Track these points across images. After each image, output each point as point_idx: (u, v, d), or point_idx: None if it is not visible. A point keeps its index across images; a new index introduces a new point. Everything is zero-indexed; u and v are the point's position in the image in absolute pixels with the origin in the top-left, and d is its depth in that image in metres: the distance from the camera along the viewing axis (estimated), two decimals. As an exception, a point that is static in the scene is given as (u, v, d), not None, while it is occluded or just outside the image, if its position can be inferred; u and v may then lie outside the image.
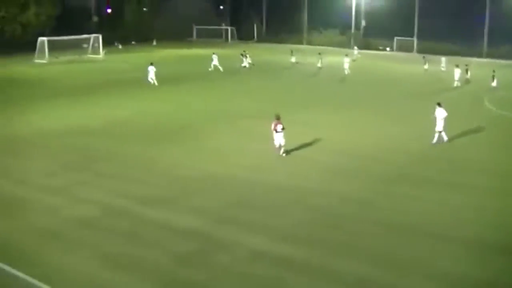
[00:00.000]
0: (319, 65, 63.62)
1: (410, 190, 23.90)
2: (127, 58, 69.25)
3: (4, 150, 30.07)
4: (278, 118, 28.20)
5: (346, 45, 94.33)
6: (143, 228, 19.66)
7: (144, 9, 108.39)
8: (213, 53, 65.23)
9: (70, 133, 33.48)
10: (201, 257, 17.47)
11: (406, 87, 53.41)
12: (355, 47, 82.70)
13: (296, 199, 22.69)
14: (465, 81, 53.89)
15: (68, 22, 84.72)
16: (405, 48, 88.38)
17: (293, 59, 69.96)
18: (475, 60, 75.25)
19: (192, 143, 31.43)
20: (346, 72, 60.01)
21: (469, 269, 16.89)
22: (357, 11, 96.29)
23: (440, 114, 30.58)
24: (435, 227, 19.89)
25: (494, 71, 52.27)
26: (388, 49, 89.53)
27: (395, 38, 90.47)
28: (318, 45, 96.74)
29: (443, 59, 65.90)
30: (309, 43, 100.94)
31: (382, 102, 44.38)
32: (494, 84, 50.73)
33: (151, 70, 52.54)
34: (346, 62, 60.96)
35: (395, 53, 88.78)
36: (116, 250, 17.93)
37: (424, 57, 67.98)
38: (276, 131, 28.13)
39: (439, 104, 30.95)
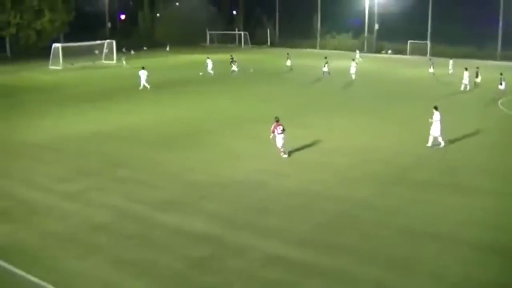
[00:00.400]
0: (325, 69, 62.38)
1: (422, 193, 23.76)
2: (140, 64, 69.19)
3: (19, 155, 30.19)
4: (277, 121, 28.76)
5: (360, 49, 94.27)
6: (156, 233, 19.64)
7: (158, 14, 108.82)
8: (207, 58, 65.75)
9: (84, 138, 33.59)
10: (214, 261, 17.42)
11: (412, 91, 53.12)
12: (357, 51, 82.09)
13: (310, 203, 22.60)
14: (475, 85, 53.10)
15: (82, 28, 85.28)
16: (419, 51, 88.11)
17: (288, 63, 69.64)
18: (489, 63, 74.90)
19: (206, 147, 31.41)
20: (353, 77, 59.49)
21: (481, 272, 16.76)
22: (370, 15, 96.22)
23: (437, 117, 30.46)
24: (448, 230, 19.77)
25: (501, 73, 50.83)
26: (389, 51, 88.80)
27: (409, 42, 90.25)
28: (332, 49, 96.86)
29: (451, 61, 65.48)
30: (323, 47, 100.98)
31: (388, 107, 44.18)
32: (502, 87, 49.18)
33: (143, 74, 52.94)
34: (353, 67, 60.34)
35: (408, 56, 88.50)
36: (130, 255, 17.91)
37: (430, 59, 67.58)
38: (278, 133, 28.60)
39: (436, 108, 30.81)
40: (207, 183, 25.14)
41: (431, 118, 30.65)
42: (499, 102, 45.88)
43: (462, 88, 52.18)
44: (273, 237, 19.23)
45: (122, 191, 24.14)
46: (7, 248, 18.50)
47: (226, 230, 19.90)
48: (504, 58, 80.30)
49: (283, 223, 20.48)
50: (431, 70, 62.92)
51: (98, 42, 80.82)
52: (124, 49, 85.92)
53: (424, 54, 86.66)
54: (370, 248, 18.39)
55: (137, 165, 28.12)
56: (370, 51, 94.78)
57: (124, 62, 68.45)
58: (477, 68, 54.67)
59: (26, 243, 18.88)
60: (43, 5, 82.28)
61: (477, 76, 53.74)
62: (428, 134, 30.92)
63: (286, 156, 29.11)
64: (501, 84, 49.21)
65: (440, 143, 30.71)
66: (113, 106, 44.83)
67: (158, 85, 53.63)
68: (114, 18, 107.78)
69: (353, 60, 62.40)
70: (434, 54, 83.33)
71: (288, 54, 71.84)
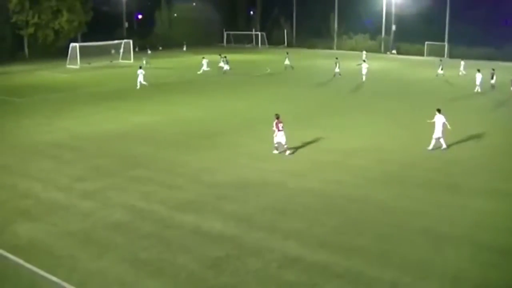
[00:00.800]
0: (337, 70, 62.04)
1: (440, 195, 23.66)
2: (158, 64, 69.51)
3: (37, 154, 30.43)
4: (278, 118, 29.31)
5: (377, 49, 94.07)
6: (173, 233, 19.71)
7: (175, 15, 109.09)
8: (203, 57, 66.50)
9: (103, 138, 33.83)
10: (231, 262, 17.44)
11: (422, 92, 52.74)
12: (364, 52, 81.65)
13: (328, 204, 22.59)
14: (490, 87, 51.89)
15: (100, 28, 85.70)
16: (436, 52, 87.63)
17: (286, 61, 69.60)
18: (508, 64, 74.34)
19: (224, 148, 31.49)
20: (363, 78, 58.90)
21: (500, 275, 16.69)
22: (387, 16, 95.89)
23: (439, 120, 30.20)
24: (467, 233, 19.69)
25: (493, 69, 50.35)
26: (394, 51, 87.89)
27: (426, 43, 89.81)
28: (349, 49, 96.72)
29: (462, 63, 65.04)
30: (339, 48, 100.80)
31: (397, 108, 44.02)
32: (492, 81, 49.03)
33: (140, 73, 53.91)
34: (364, 68, 59.56)
35: (425, 57, 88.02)
36: (147, 254, 17.99)
37: (441, 60, 66.96)
38: (278, 130, 29.17)
39: (439, 110, 30.50)
40: (224, 184, 25.19)
41: (432, 119, 30.55)
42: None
43: (476, 90, 51.19)
44: (291, 238, 19.23)
45: (139, 190, 24.25)
46: (26, 247, 18.66)
47: (244, 230, 19.94)
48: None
49: (300, 224, 20.48)
50: (440, 71, 62.08)
51: (116, 41, 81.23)
52: (148, 50, 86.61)
53: (442, 55, 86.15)
54: (388, 250, 18.33)
55: (154, 165, 28.24)
56: (387, 51, 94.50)
57: (144, 62, 68.63)
58: (493, 69, 53.20)
59: (45, 242, 19.03)
60: (61, 6, 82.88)
61: (492, 78, 52.42)
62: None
63: (287, 153, 29.67)
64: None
65: (441, 145, 30.47)
66: (130, 105, 45.03)
67: (174, 85, 53.81)
68: (131, 18, 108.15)
69: (364, 61, 61.64)
70: (451, 55, 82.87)
71: (287, 53, 71.90)
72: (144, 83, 53.47)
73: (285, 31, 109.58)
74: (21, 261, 17.43)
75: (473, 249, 18.43)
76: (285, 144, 29.55)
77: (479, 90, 51.19)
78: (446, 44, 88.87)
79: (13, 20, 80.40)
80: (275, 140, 29.60)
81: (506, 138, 33.69)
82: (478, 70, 51.69)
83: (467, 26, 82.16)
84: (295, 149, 30.39)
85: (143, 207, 22.25)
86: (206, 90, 53.59)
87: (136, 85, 53.48)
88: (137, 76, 53.97)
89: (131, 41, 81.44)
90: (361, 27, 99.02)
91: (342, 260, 17.57)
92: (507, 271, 17.02)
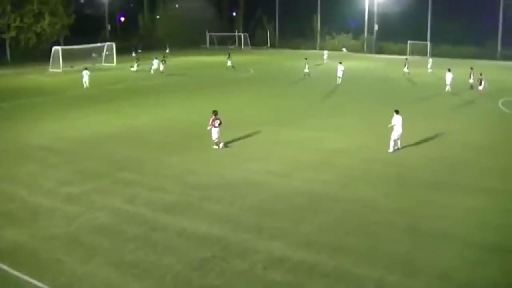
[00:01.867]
0: (306, 70, 62.19)
1: (428, 194, 23.82)
2: (142, 67, 69.33)
3: (22, 158, 30.28)
4: (216, 115, 30.99)
5: (360, 49, 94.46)
6: (159, 235, 19.68)
7: (157, 16, 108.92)
8: (155, 57, 69.55)
9: (88, 141, 33.72)
10: (217, 263, 17.45)
11: (396, 92, 53.00)
12: (325, 51, 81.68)
13: (314, 204, 22.66)
14: (471, 87, 52.05)
15: (82, 31, 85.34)
16: (419, 51, 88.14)
17: (229, 63, 70.56)
18: (489, 62, 75.06)
19: (209, 149, 31.46)
20: (339, 80, 57.72)
21: (489, 272, 16.82)
22: (370, 15, 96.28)
23: (397, 121, 30.06)
24: (456, 231, 19.83)
25: (481, 74, 50.09)
26: (344, 49, 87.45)
27: (408, 42, 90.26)
28: (332, 49, 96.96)
29: (430, 60, 65.27)
30: (322, 48, 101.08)
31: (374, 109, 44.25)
32: (481, 87, 48.89)
33: (85, 74, 55.75)
34: (340, 70, 57.78)
35: (408, 56, 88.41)
36: (132, 257, 17.96)
37: (406, 58, 67.04)
38: (214, 126, 30.84)
39: (397, 112, 30.41)
40: (210, 185, 25.20)
41: (391, 123, 30.34)
42: (500, 101, 45.91)
43: (446, 89, 51.06)
44: (277, 238, 19.27)
45: (125, 193, 24.19)
46: (11, 251, 18.55)
47: (229, 231, 19.95)
48: (504, 57, 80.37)
49: (286, 224, 20.53)
50: (405, 69, 62.11)
51: (98, 44, 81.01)
52: (139, 50, 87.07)
53: (425, 54, 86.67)
54: (374, 248, 18.42)
55: (139, 168, 28.18)
56: (370, 51, 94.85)
57: (136, 65, 68.90)
58: (471, 68, 53.22)
59: (30, 246, 18.94)
60: (44, 9, 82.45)
61: (470, 77, 52.54)
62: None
63: (221, 147, 31.30)
64: (480, 84, 49.00)
65: (397, 146, 30.50)
66: (114, 108, 44.93)
67: (160, 87, 53.79)
68: (114, 21, 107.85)
69: (340, 63, 59.44)
70: (434, 54, 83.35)
71: (229, 54, 72.56)
72: (87, 84, 55.27)
73: (268, 32, 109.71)
74: (5, 267, 17.34)
75: (460, 247, 18.53)
76: (217, 139, 31.17)
77: (450, 90, 51.09)
78: (428, 43, 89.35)
79: None
80: (213, 136, 31.09)
81: (484, 136, 33.93)
82: (449, 70, 51.70)
83: (450, 25, 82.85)
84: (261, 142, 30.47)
85: (128, 210, 22.20)
86: (189, 91, 53.53)
87: (83, 86, 55.61)
88: (82, 76, 56.00)
89: (113, 44, 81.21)
90: (344, 27, 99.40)
91: (329, 259, 17.63)
92: (494, 269, 17.10)
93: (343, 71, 57.67)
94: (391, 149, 30.22)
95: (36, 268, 17.20)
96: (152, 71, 66.01)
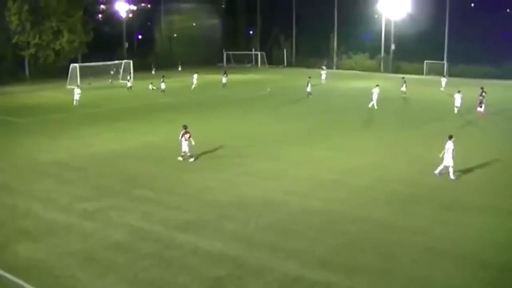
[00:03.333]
0: (308, 89, 61.96)
1: (444, 214, 23.64)
2: (156, 85, 69.63)
3: (38, 174, 30.44)
4: (185, 128, 32.82)
5: (376, 69, 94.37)
6: (174, 253, 19.65)
7: (175, 35, 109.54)
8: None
9: (104, 157, 33.89)
10: (232, 282, 17.38)
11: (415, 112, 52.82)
12: (323, 71, 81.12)
13: (330, 223, 22.55)
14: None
15: (100, 48, 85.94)
16: (436, 71, 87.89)
17: (224, 80, 71.31)
18: (507, 82, 74.73)
19: (224, 167, 31.49)
20: (372, 105, 53.66)
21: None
22: (386, 35, 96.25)
23: (450, 147, 28.70)
24: (472, 251, 19.65)
25: (484, 92, 49.35)
26: (323, 68, 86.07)
27: (425, 62, 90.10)
28: (348, 69, 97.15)
29: (443, 79, 64.97)
30: (339, 67, 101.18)
31: (391, 129, 44.12)
32: (481, 109, 47.82)
33: (76, 93, 56.30)
34: (375, 94, 53.88)
35: (425, 76, 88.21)
36: (147, 275, 17.92)
37: (403, 77, 66.52)
38: (185, 139, 32.50)
39: (450, 137, 29.04)
40: (226, 203, 25.16)
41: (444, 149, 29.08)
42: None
43: (455, 111, 49.54)
44: (292, 257, 19.17)
45: (140, 210, 24.22)
46: (27, 267, 18.59)
47: (244, 250, 19.88)
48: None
49: (302, 244, 20.42)
50: (403, 89, 61.14)
51: (116, 62, 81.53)
52: (153, 70, 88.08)
53: (441, 74, 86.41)
54: (390, 268, 18.27)
55: (156, 185, 28.22)
56: (386, 71, 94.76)
57: (151, 86, 69.31)
58: (482, 88, 51.11)
59: (46, 262, 18.97)
60: (62, 26, 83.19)
61: (483, 97, 50.07)
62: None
63: (193, 160, 32.85)
64: (480, 105, 48.11)
65: (449, 173, 29.04)
66: (131, 125, 45.10)
67: (175, 105, 53.99)
68: (132, 39, 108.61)
69: (377, 85, 55.79)
70: (451, 74, 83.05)
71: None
72: (77, 102, 55.88)
73: (285, 51, 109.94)
74: (21, 282, 17.37)
75: (475, 267, 18.37)
76: (189, 153, 32.78)
77: (456, 112, 49.59)
78: (445, 62, 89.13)
79: (14, 40, 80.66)
80: (182, 148, 32.65)
81: (501, 156, 33.67)
82: (458, 91, 50.23)
83: (466, 44, 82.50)
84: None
85: (143, 227, 22.19)
86: (204, 110, 53.64)
87: (74, 103, 56.07)
88: (73, 94, 56.53)
89: (131, 62, 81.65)
90: (361, 47, 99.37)
91: (344, 279, 17.50)
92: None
93: (377, 94, 54.13)
94: (437, 171, 29.20)
95: (51, 285, 17.24)
96: (162, 90, 65.98)
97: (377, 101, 53.56)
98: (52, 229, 22.09)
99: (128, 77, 72.05)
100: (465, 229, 21.81)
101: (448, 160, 28.76)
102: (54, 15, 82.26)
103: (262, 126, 45.05)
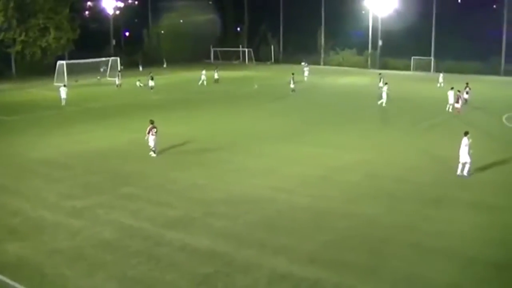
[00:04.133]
0: (292, 85, 62.23)
1: (433, 210, 23.78)
2: (144, 81, 69.33)
3: (26, 171, 30.34)
4: (152, 123, 33.46)
5: (364, 65, 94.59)
6: (162, 250, 19.68)
7: (162, 32, 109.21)
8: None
9: (92, 155, 33.81)
10: (220, 279, 17.43)
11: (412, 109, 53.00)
12: (305, 67, 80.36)
13: (318, 220, 22.63)
14: (465, 102, 50.56)
15: (87, 45, 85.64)
16: (423, 67, 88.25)
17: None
18: (493, 78, 75.28)
19: (214, 164, 31.52)
20: (381, 103, 53.09)
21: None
22: (374, 31, 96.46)
23: (465, 143, 28.48)
24: (459, 247, 19.79)
25: (467, 83, 50.58)
26: (304, 64, 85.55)
27: (412, 58, 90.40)
28: (336, 65, 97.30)
29: (441, 75, 65.56)
30: (327, 63, 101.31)
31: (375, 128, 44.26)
32: (457, 105, 47.72)
33: (63, 91, 55.03)
34: (384, 92, 53.15)
35: (412, 72, 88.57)
36: (136, 272, 17.95)
37: (380, 74, 66.66)
38: (152, 134, 33.06)
39: (465, 133, 28.93)
40: (214, 200, 25.20)
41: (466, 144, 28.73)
42: (504, 117, 45.85)
43: (447, 108, 49.35)
44: (280, 254, 19.24)
45: (129, 208, 24.21)
46: (14, 265, 18.58)
47: (233, 247, 19.92)
48: (508, 73, 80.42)
49: (290, 240, 20.48)
50: (380, 84, 60.44)
51: (103, 59, 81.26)
52: (141, 67, 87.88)
53: (428, 70, 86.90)
54: (378, 265, 18.40)
55: (144, 182, 28.21)
56: (373, 67, 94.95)
57: (138, 83, 69.00)
58: (467, 84, 52.54)
59: (34, 260, 18.95)
60: (49, 23, 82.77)
61: (467, 93, 51.82)
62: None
63: (154, 155, 33.32)
64: (457, 101, 48.06)
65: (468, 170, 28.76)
66: (119, 123, 45.00)
67: (163, 103, 53.95)
68: (119, 36, 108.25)
69: (386, 83, 54.83)
70: (438, 69, 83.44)
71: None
72: (63, 102, 54.75)
73: (272, 47, 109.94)
74: (8, 280, 17.36)
75: (463, 263, 18.52)
76: (154, 147, 33.38)
77: (450, 110, 49.39)
78: (432, 58, 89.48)
79: (0, 37, 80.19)
80: (150, 143, 33.24)
81: (487, 152, 33.84)
82: (451, 88, 50.32)
83: (453, 41, 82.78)
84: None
85: (132, 225, 22.20)
86: (190, 106, 53.62)
87: (61, 103, 54.78)
88: (59, 93, 55.23)
89: (118, 59, 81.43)
90: (348, 43, 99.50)
91: (333, 275, 17.60)
92: (497, 285, 17.09)
93: (388, 93, 53.22)
94: (458, 172, 28.73)
95: (39, 283, 17.22)
96: (151, 88, 65.77)
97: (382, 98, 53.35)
98: (40, 226, 22.06)
99: (118, 74, 71.73)
100: (454, 225, 21.95)
101: (464, 156, 28.57)
102: (40, 12, 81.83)
103: (250, 122, 45.10)
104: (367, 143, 36.54)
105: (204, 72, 71.64)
